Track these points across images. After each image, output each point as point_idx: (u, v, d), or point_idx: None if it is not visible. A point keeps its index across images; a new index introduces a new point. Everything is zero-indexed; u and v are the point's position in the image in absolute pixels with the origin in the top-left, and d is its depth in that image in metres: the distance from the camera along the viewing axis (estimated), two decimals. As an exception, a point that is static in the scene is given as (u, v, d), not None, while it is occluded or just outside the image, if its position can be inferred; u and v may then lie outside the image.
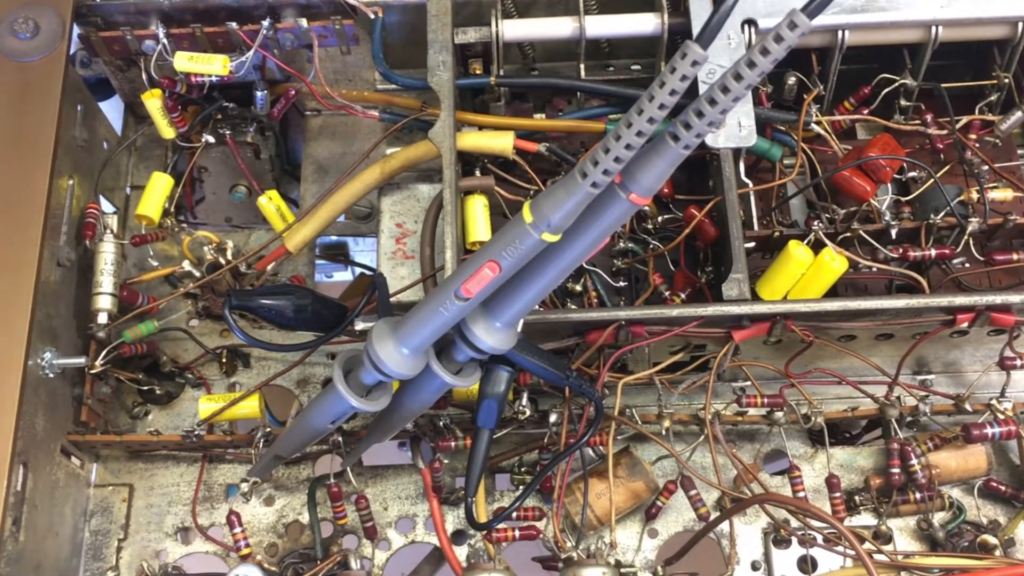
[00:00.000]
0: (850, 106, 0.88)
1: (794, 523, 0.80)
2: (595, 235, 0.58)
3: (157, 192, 0.91)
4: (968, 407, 0.81)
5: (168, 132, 0.92)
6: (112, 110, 0.99)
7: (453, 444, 0.80)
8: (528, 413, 0.79)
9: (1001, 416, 0.79)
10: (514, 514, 0.78)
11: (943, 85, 0.86)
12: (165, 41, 0.86)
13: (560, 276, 0.61)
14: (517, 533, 0.76)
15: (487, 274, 0.58)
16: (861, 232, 0.78)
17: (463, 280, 0.59)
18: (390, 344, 0.63)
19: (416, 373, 0.65)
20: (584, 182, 0.53)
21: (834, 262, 0.75)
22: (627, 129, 0.51)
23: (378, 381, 0.66)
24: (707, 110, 0.51)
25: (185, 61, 0.85)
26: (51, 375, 0.77)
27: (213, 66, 0.84)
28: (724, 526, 0.81)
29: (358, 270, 1.20)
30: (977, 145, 0.86)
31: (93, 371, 0.82)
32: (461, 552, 0.82)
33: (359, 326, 0.73)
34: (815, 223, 0.78)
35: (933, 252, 0.78)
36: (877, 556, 0.70)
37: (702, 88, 0.76)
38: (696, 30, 0.82)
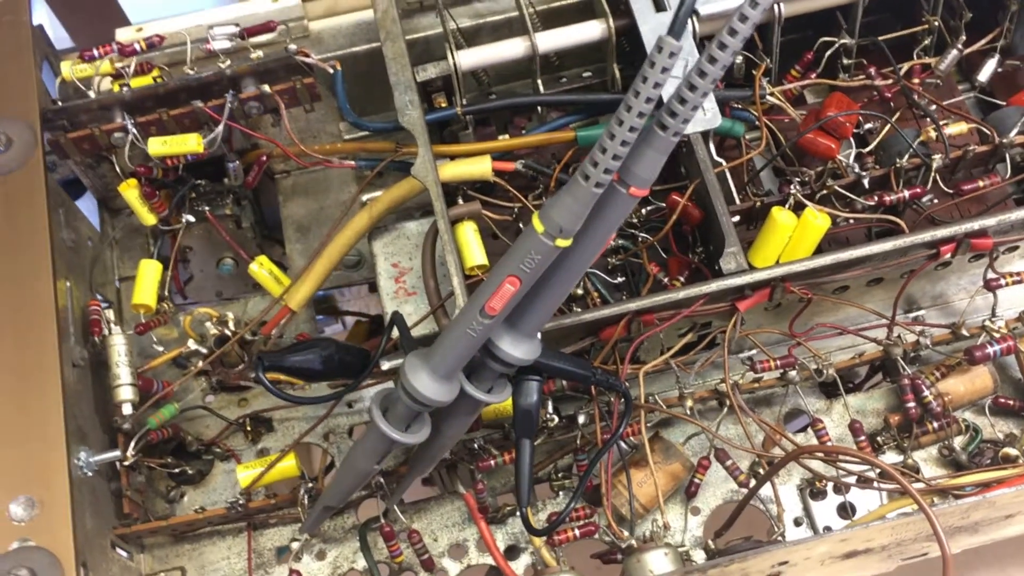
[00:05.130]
0: (797, 73, 0.92)
1: (826, 474, 0.83)
2: (603, 232, 0.61)
3: (149, 279, 0.92)
4: (965, 332, 0.85)
5: (149, 219, 0.93)
6: (84, 209, 1.00)
7: (492, 463, 0.82)
8: (556, 420, 0.81)
9: (997, 335, 0.83)
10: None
11: (880, 38, 0.90)
12: (135, 131, 0.88)
13: (576, 278, 0.64)
14: (577, 532, 0.79)
15: (508, 289, 0.61)
16: (836, 188, 0.82)
17: (486, 299, 0.61)
18: (424, 375, 0.65)
19: (452, 398, 0.67)
20: (587, 184, 0.56)
21: (817, 220, 0.78)
22: (619, 127, 0.55)
23: (416, 414, 0.69)
24: (689, 96, 0.55)
25: (159, 146, 0.86)
26: (89, 474, 0.78)
27: (188, 145, 0.86)
28: (761, 490, 0.84)
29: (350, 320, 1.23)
30: (921, 88, 0.91)
31: (126, 463, 0.83)
32: (518, 566, 0.84)
33: (385, 365, 0.75)
34: (791, 187, 0.82)
35: (907, 193, 0.82)
36: (916, 485, 0.73)
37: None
38: (641, 27, 0.86)
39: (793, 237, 0.79)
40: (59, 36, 1.29)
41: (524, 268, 0.60)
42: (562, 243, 0.59)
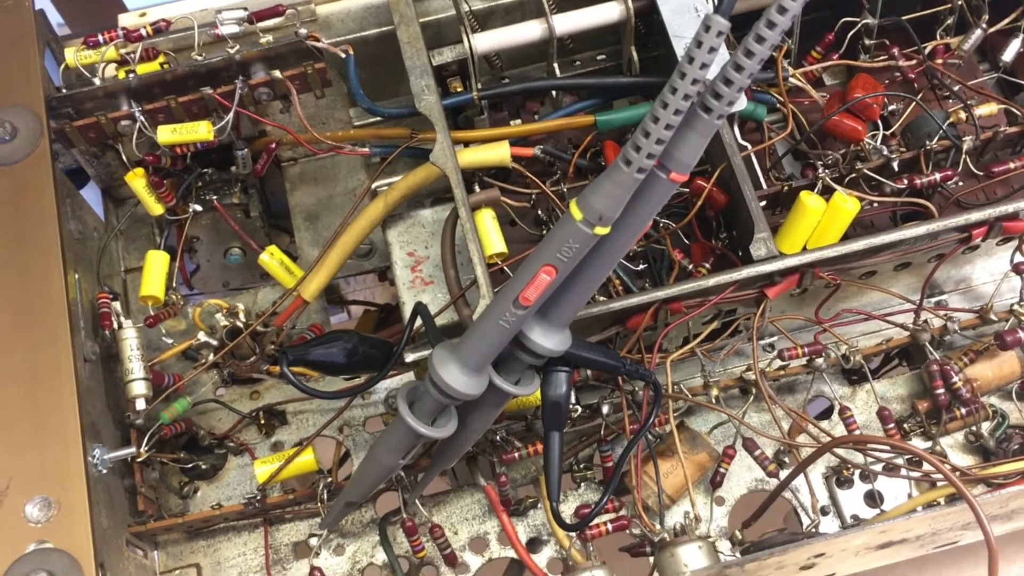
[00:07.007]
0: (817, 55, 0.91)
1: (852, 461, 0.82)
2: (641, 220, 0.59)
3: (157, 270, 0.90)
4: (993, 317, 0.84)
5: (157, 209, 0.91)
6: (88, 198, 0.98)
7: (517, 455, 0.80)
8: (580, 411, 0.80)
9: (1026, 318, 0.82)
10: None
11: (903, 18, 0.89)
12: (142, 119, 0.85)
13: (610, 266, 0.62)
14: (610, 527, 0.77)
15: (544, 279, 0.59)
16: (865, 171, 0.81)
17: (520, 289, 0.60)
18: (453, 367, 0.64)
19: (482, 391, 0.65)
20: (630, 169, 0.54)
21: (847, 204, 0.77)
22: (664, 110, 0.53)
23: (443, 407, 0.67)
24: (735, 76, 0.53)
25: (168, 133, 0.84)
26: (104, 471, 0.76)
27: (199, 132, 0.83)
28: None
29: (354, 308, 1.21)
30: (944, 69, 0.89)
31: (140, 459, 0.80)
32: (540, 559, 0.83)
33: (410, 358, 0.73)
34: (819, 171, 0.80)
35: (937, 176, 0.81)
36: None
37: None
38: (662, 7, 0.84)
39: (822, 222, 0.78)
40: (54, 22, 1.26)
41: (561, 257, 0.58)
42: (601, 231, 0.57)
